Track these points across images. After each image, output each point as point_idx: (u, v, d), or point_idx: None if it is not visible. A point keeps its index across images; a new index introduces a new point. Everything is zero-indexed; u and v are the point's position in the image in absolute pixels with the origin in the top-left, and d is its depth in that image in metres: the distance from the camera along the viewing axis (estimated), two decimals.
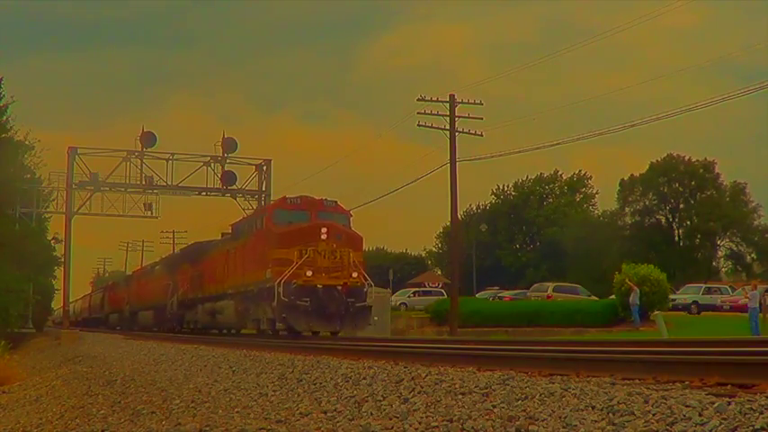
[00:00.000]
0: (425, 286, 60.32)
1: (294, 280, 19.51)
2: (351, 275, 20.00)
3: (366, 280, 20.71)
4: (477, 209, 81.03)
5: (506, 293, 51.59)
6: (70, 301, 77.29)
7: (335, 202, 22.46)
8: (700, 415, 4.35)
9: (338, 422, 5.70)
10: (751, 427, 4.01)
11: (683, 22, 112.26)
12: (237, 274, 24.51)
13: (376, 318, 21.56)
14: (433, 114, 36.26)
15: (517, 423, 4.79)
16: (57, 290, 54.82)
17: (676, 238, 71.86)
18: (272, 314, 20.45)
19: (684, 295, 40.71)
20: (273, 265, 20.31)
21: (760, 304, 25.86)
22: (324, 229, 20.31)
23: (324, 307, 19.55)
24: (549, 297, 42.17)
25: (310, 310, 19.43)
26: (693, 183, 71.02)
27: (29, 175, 42.22)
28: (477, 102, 36.96)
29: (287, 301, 19.29)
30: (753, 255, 71.86)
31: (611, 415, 4.70)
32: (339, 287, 19.92)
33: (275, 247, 20.55)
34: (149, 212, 45.69)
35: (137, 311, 44.03)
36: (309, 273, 19.56)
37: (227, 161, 43.95)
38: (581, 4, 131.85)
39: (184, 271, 32.74)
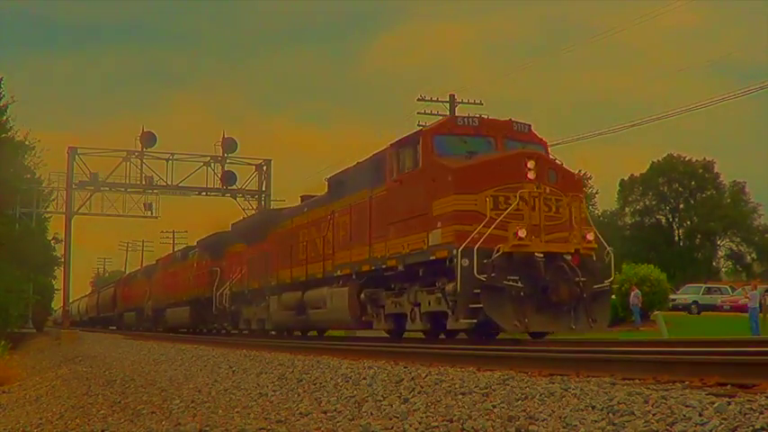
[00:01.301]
0: None
1: (494, 245, 12.24)
2: (584, 238, 12.94)
3: (606, 246, 13.47)
4: None
5: None
6: (74, 299, 77.33)
7: (529, 126, 14.70)
8: (700, 415, 4.35)
9: (338, 422, 5.70)
10: (751, 427, 4.01)
11: (684, 21, 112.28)
12: (356, 245, 16.20)
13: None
14: (433, 114, 36.24)
15: (517, 423, 4.79)
16: (57, 290, 54.89)
17: (676, 238, 71.89)
18: (447, 303, 13.01)
19: (684, 295, 40.68)
20: (447, 223, 12.92)
21: (760, 304, 25.84)
22: (530, 163, 12.97)
23: (547, 290, 12.28)
24: None
25: (524, 296, 12.17)
26: (693, 183, 71.06)
27: (29, 175, 42.20)
28: (478, 102, 36.94)
29: (483, 279, 11.99)
30: (753, 255, 71.90)
31: (611, 415, 4.70)
32: (568, 256, 12.87)
33: (450, 193, 12.96)
34: (149, 212, 45.73)
35: (163, 309, 36.97)
36: (522, 232, 12.31)
37: (227, 161, 43.96)
38: (581, 5, 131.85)
39: (237, 254, 26.00)
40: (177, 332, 34.11)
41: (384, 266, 15.01)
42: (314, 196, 20.62)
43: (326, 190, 18.82)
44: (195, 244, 35.68)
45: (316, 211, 19.21)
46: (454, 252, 12.41)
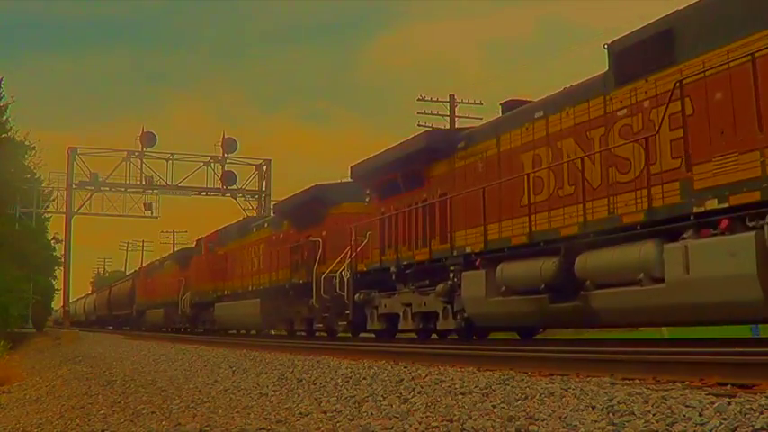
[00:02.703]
0: None
1: None
2: None
3: None
4: None
5: None
6: (79, 297, 77.10)
7: None
8: (700, 415, 4.35)
9: (338, 422, 5.70)
10: (751, 427, 4.01)
11: None
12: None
13: None
14: (433, 114, 36.23)
15: (517, 423, 4.79)
16: (57, 290, 54.94)
17: None
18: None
19: None
20: None
21: None
22: None
23: None
24: None
25: None
26: None
27: (29, 176, 42.29)
28: (478, 102, 36.84)
29: None
30: None
31: (611, 415, 4.70)
32: None
33: None
34: (149, 212, 45.88)
35: (209, 303, 28.01)
36: None
37: (228, 161, 44.08)
38: (581, 5, 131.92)
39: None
40: (243, 335, 25.14)
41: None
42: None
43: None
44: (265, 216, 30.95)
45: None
46: None
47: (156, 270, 40.68)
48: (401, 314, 14.53)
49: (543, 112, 11.52)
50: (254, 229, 24.95)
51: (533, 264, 11.01)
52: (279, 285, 21.09)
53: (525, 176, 11.45)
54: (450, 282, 12.84)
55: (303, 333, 20.98)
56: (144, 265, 47.97)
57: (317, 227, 19.15)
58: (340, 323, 17.46)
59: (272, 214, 24.61)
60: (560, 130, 11.07)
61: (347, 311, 16.46)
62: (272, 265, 21.85)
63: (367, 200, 16.82)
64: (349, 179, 18.27)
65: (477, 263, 12.29)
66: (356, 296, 16.03)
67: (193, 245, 33.90)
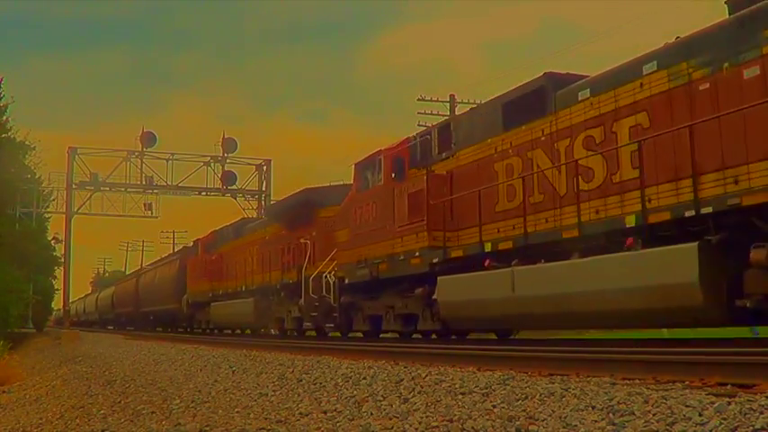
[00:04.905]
0: None
1: None
2: None
3: None
4: None
5: None
6: (84, 295, 76.81)
7: None
8: (700, 415, 4.35)
9: (338, 422, 5.70)
10: (751, 427, 4.01)
11: (684, 21, 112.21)
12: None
13: None
14: (434, 114, 36.27)
15: (517, 423, 4.79)
16: (57, 290, 54.95)
17: None
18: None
19: None
20: None
21: None
22: None
23: None
24: None
25: None
26: None
27: (29, 176, 42.31)
28: (478, 102, 36.95)
29: None
30: None
31: (611, 415, 4.70)
32: None
33: None
34: (149, 212, 45.82)
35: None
36: None
37: (228, 161, 44.07)
38: (581, 5, 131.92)
39: None
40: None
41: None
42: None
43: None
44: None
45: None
46: None
47: (238, 237, 26.50)
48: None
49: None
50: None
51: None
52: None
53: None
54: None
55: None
56: (206, 234, 30.73)
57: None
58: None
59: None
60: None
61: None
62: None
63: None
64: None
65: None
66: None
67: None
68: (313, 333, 20.66)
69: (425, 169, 13.93)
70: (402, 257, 14.24)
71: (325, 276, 17.24)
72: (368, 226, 15.65)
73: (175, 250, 48.92)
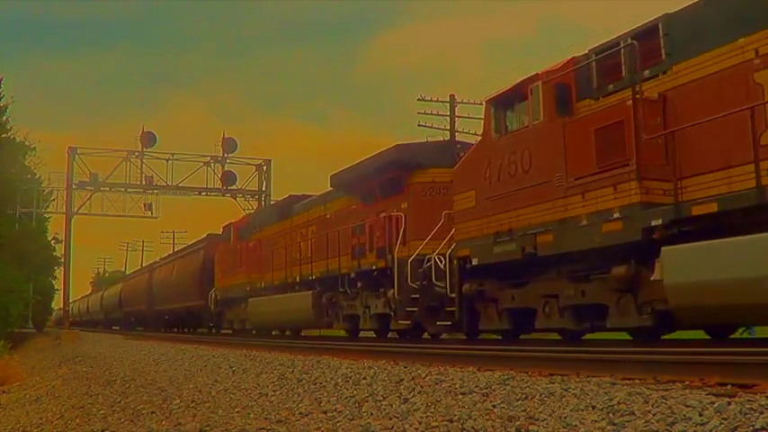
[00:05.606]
0: None
1: None
2: None
3: None
4: None
5: None
6: (88, 294, 76.67)
7: None
8: (700, 415, 4.35)
9: (338, 422, 5.70)
10: (751, 427, 4.01)
11: None
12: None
13: None
14: (434, 114, 36.26)
15: (517, 423, 4.79)
16: (57, 290, 54.94)
17: None
18: None
19: None
20: None
21: None
22: None
23: None
24: None
25: None
26: None
27: (29, 176, 42.29)
28: (478, 102, 36.85)
29: None
30: None
31: (611, 415, 4.70)
32: None
33: None
34: (149, 212, 45.74)
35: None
36: None
37: (228, 161, 43.98)
38: (581, 5, 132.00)
39: None
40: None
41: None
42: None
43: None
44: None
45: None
46: None
47: (284, 218, 22.16)
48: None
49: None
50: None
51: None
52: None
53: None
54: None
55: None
56: (239, 219, 27.63)
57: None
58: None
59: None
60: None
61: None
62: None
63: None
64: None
65: None
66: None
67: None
68: (395, 335, 16.62)
69: (613, 96, 10.03)
70: (585, 222, 10.05)
71: (433, 258, 13.49)
72: (514, 183, 11.42)
73: (175, 251, 48.60)
